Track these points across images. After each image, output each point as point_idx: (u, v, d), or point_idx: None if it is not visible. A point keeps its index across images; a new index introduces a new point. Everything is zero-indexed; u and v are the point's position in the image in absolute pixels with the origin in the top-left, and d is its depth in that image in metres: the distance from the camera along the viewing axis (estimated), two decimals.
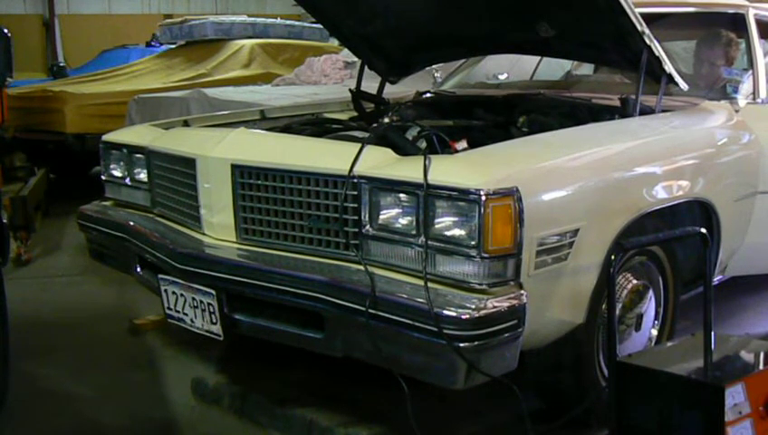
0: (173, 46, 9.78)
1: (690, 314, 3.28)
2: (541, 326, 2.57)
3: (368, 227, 2.58)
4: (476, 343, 2.30)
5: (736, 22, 3.85)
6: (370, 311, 2.43)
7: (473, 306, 2.30)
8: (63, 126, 7.53)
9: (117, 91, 7.95)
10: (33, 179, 7.01)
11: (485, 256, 2.34)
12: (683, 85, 3.34)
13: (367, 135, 3.02)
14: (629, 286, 3.01)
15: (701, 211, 3.19)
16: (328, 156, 2.75)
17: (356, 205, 2.60)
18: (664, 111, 3.34)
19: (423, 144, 2.98)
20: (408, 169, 2.50)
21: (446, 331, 2.29)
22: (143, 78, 8.72)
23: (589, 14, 3.21)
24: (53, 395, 3.49)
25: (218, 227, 2.98)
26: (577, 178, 2.66)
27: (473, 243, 2.35)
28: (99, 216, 3.60)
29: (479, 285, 2.36)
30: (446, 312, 2.30)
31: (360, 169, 2.58)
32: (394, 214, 2.55)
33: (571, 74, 4.59)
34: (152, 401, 3.40)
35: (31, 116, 7.78)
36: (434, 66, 4.86)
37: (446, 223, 2.42)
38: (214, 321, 2.87)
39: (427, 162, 2.44)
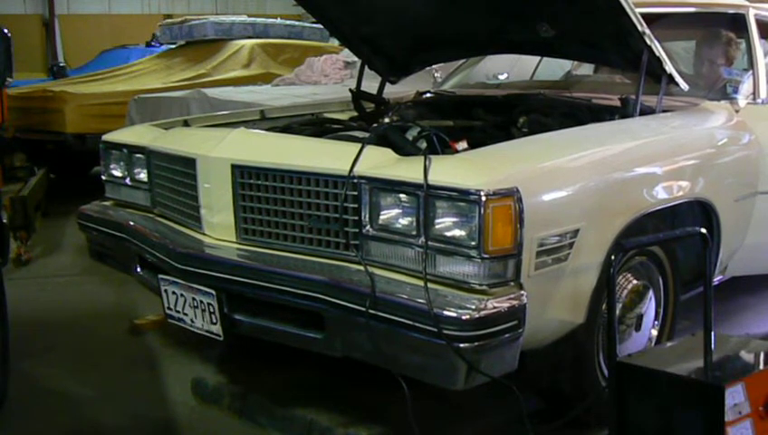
0: (173, 46, 9.77)
1: (690, 314, 3.28)
2: (541, 326, 2.57)
3: (368, 227, 2.58)
4: (476, 343, 2.30)
5: (736, 22, 3.85)
6: (370, 311, 2.43)
7: (473, 307, 2.30)
8: (63, 126, 7.52)
9: (117, 91, 7.95)
10: (33, 179, 6.99)
11: (486, 256, 2.34)
12: (683, 85, 3.34)
13: (367, 135, 3.02)
14: (629, 287, 3.01)
15: (701, 211, 3.19)
16: (328, 156, 2.75)
17: (356, 205, 2.60)
18: (664, 111, 3.34)
19: (423, 144, 2.97)
20: (409, 170, 2.49)
21: (445, 331, 2.29)
22: (143, 78, 8.72)
23: (589, 14, 3.21)
24: (53, 395, 3.49)
25: (218, 227, 2.98)
26: (577, 178, 2.66)
27: (473, 243, 2.35)
28: (99, 216, 3.60)
29: (479, 285, 2.36)
30: (445, 312, 2.30)
31: (360, 170, 2.58)
32: (394, 214, 2.54)
33: (571, 74, 4.59)
34: (152, 401, 3.40)
35: (31, 116, 7.77)
36: (434, 66, 4.86)
37: (446, 223, 2.42)
38: (214, 321, 2.88)
39: (427, 162, 2.44)
